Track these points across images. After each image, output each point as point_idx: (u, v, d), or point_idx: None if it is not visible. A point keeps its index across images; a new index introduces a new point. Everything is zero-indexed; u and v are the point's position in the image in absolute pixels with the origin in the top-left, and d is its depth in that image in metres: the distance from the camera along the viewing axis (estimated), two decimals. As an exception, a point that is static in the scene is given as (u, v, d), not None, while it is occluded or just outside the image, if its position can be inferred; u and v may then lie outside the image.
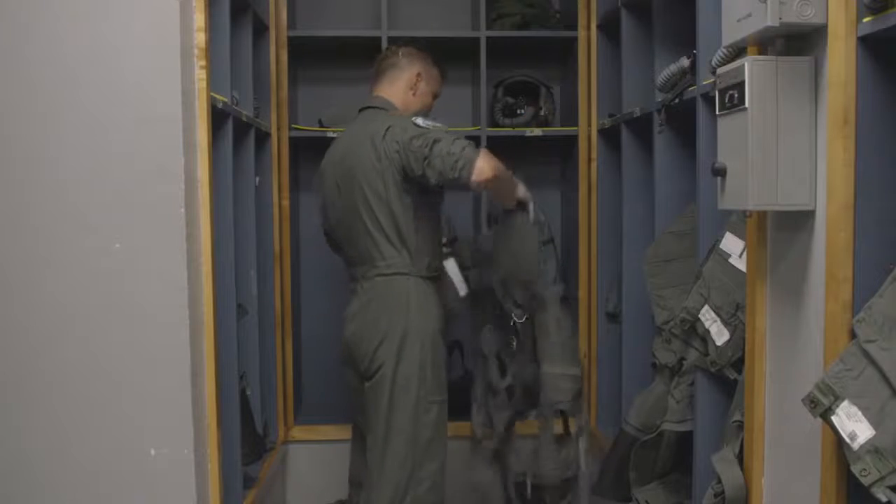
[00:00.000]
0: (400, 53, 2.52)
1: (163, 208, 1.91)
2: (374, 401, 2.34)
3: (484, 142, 3.18)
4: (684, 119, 2.30)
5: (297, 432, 3.22)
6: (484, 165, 2.16)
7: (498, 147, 3.25)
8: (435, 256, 2.41)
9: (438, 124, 2.30)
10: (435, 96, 2.58)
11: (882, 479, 1.26)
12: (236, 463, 2.38)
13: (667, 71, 2.34)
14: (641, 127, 2.70)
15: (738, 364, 1.96)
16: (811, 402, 1.37)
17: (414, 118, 2.31)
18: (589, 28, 3.17)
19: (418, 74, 2.49)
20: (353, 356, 2.43)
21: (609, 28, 3.03)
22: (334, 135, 3.10)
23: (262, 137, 2.93)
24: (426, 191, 2.30)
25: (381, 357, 2.34)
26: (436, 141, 2.20)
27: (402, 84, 2.49)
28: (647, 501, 2.34)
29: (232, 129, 2.35)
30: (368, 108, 2.48)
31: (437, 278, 2.45)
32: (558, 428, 2.55)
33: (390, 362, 2.32)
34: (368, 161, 2.30)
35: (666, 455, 2.32)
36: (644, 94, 2.64)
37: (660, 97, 2.41)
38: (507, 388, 2.56)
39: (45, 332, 1.92)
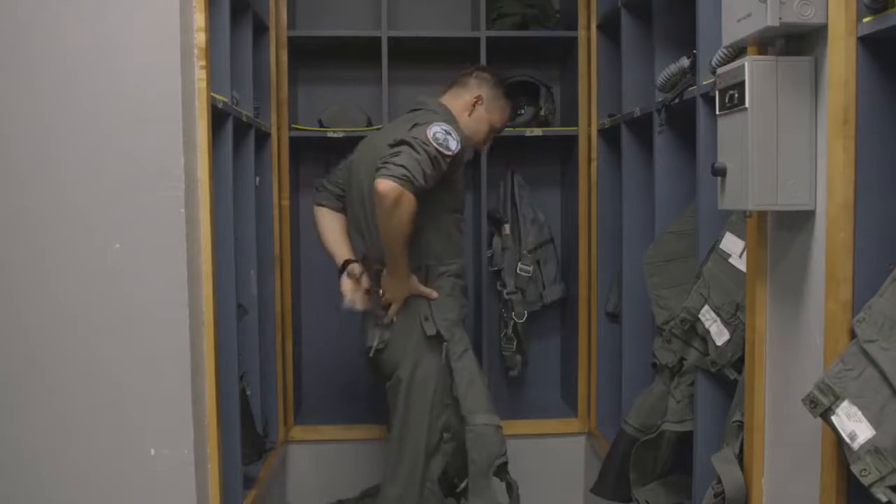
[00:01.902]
0: (474, 74, 2.53)
1: (163, 208, 1.91)
2: (393, 400, 2.41)
3: (484, 142, 3.18)
4: (684, 119, 2.30)
5: (297, 432, 3.22)
6: (391, 191, 2.09)
7: (498, 147, 3.29)
8: (450, 259, 2.41)
9: (451, 147, 2.20)
10: (493, 127, 2.54)
11: (882, 479, 1.26)
12: (236, 463, 2.38)
13: (667, 71, 2.34)
14: (641, 127, 2.70)
15: (738, 364, 1.96)
16: (811, 402, 1.37)
17: (443, 127, 2.22)
18: (589, 28, 3.17)
19: (478, 98, 2.48)
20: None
21: (609, 28, 3.03)
22: (334, 135, 3.11)
23: (262, 137, 2.93)
24: (427, 196, 2.24)
25: (397, 359, 2.39)
26: (409, 144, 2.16)
27: (460, 102, 2.49)
28: (647, 501, 2.34)
29: (232, 129, 2.35)
30: (418, 110, 2.45)
31: (463, 275, 2.46)
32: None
33: (407, 364, 2.37)
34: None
35: (666, 455, 2.32)
36: (644, 94, 2.64)
37: (660, 97, 2.41)
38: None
39: (45, 332, 1.92)
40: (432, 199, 2.28)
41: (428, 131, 2.19)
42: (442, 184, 2.27)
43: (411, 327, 2.38)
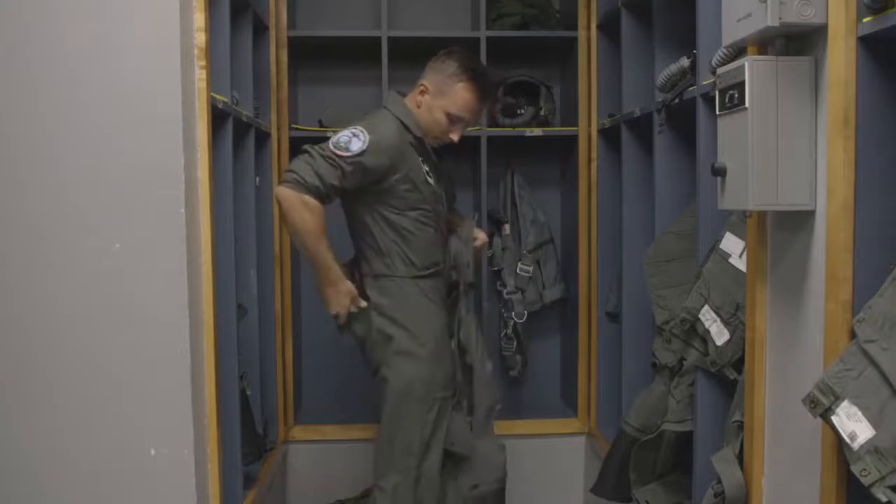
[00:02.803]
0: (430, 61, 2.43)
1: (163, 208, 1.90)
2: (382, 395, 2.41)
3: (484, 142, 3.18)
4: (684, 119, 2.30)
5: (297, 432, 3.22)
6: (280, 195, 2.21)
7: (498, 147, 3.29)
8: (419, 257, 2.39)
9: (352, 148, 2.21)
10: (452, 115, 2.36)
11: (882, 479, 1.26)
12: (236, 463, 2.38)
13: (667, 71, 2.34)
14: (641, 127, 2.70)
15: (738, 364, 1.96)
16: (811, 402, 1.37)
17: (352, 130, 2.24)
18: (589, 28, 3.17)
19: (422, 87, 2.39)
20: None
21: (609, 28, 3.03)
22: (334, 135, 3.11)
23: (262, 137, 2.93)
24: (365, 201, 2.33)
25: (378, 357, 2.40)
26: (306, 151, 2.24)
27: (413, 93, 2.42)
28: (647, 501, 2.34)
29: (232, 129, 2.35)
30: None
31: (435, 275, 2.44)
32: None
33: (392, 365, 2.37)
34: None
35: (666, 455, 2.32)
36: (644, 94, 2.64)
37: (660, 97, 2.41)
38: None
39: (45, 332, 1.92)
40: (373, 204, 2.32)
41: (332, 138, 2.25)
42: (377, 186, 2.29)
43: (387, 328, 2.37)
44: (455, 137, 2.41)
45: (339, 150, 2.21)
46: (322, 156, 2.22)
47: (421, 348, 2.36)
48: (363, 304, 2.37)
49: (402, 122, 2.36)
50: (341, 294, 2.34)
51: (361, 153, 2.22)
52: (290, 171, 2.23)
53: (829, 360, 1.44)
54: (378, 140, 2.25)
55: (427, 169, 2.39)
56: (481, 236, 2.59)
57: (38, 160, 1.90)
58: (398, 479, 2.38)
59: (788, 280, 1.66)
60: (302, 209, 2.21)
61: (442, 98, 2.36)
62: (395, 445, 2.38)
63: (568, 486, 3.26)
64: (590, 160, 3.20)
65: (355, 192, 2.31)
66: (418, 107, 2.40)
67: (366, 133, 2.24)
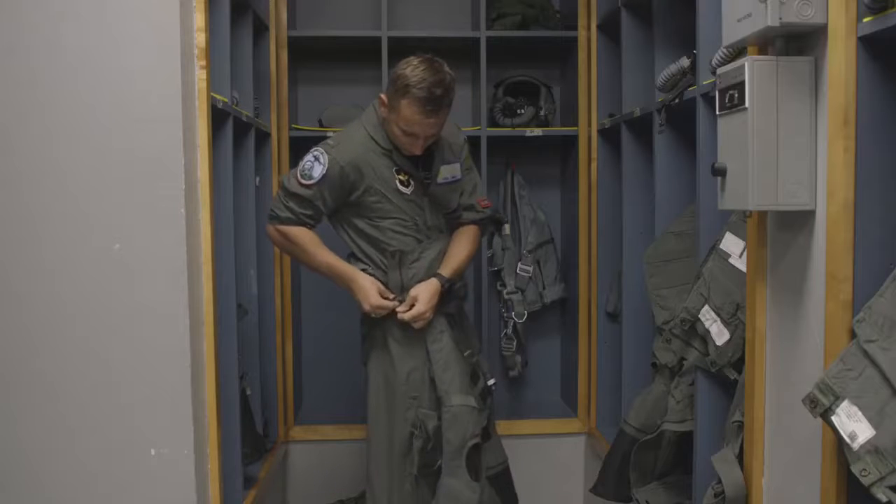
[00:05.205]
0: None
1: (163, 208, 1.91)
2: (365, 392, 2.44)
3: (484, 142, 3.18)
4: (684, 119, 2.30)
5: (297, 432, 3.22)
6: (267, 232, 2.41)
7: (498, 147, 3.29)
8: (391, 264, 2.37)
9: (314, 174, 2.26)
10: (404, 131, 2.23)
11: (882, 479, 1.26)
12: (236, 463, 2.38)
13: (667, 71, 2.34)
14: (641, 127, 2.70)
15: (738, 364, 1.96)
16: (811, 402, 1.37)
17: (314, 154, 2.29)
18: (589, 28, 3.17)
19: (381, 98, 2.29)
20: None
21: (609, 28, 3.04)
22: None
23: (262, 137, 2.93)
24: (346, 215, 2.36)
25: (366, 353, 2.43)
26: (281, 185, 2.36)
27: (379, 104, 2.32)
28: (647, 501, 2.34)
29: (232, 128, 2.35)
30: None
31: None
32: None
33: (373, 359, 2.40)
34: None
35: (666, 455, 2.32)
36: (644, 94, 2.64)
37: (660, 97, 2.41)
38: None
39: (45, 332, 1.92)
40: (347, 216, 2.36)
41: (300, 164, 2.30)
42: (348, 198, 2.31)
43: (376, 324, 2.38)
44: (416, 151, 2.28)
45: (304, 178, 2.28)
46: (289, 192, 2.30)
47: (398, 346, 2.36)
48: (391, 296, 2.33)
49: (371, 135, 2.31)
50: (364, 288, 2.32)
51: (322, 178, 2.27)
52: (270, 208, 2.37)
53: (829, 360, 1.44)
54: (336, 158, 2.27)
55: (402, 178, 2.32)
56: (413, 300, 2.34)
57: (38, 160, 1.90)
58: (383, 480, 2.37)
59: (788, 280, 1.66)
60: (282, 239, 2.37)
61: (393, 112, 2.24)
62: (372, 447, 2.40)
63: (568, 486, 3.26)
64: (590, 160, 3.20)
65: (336, 207, 2.34)
66: (384, 118, 2.30)
67: (326, 154, 2.27)
